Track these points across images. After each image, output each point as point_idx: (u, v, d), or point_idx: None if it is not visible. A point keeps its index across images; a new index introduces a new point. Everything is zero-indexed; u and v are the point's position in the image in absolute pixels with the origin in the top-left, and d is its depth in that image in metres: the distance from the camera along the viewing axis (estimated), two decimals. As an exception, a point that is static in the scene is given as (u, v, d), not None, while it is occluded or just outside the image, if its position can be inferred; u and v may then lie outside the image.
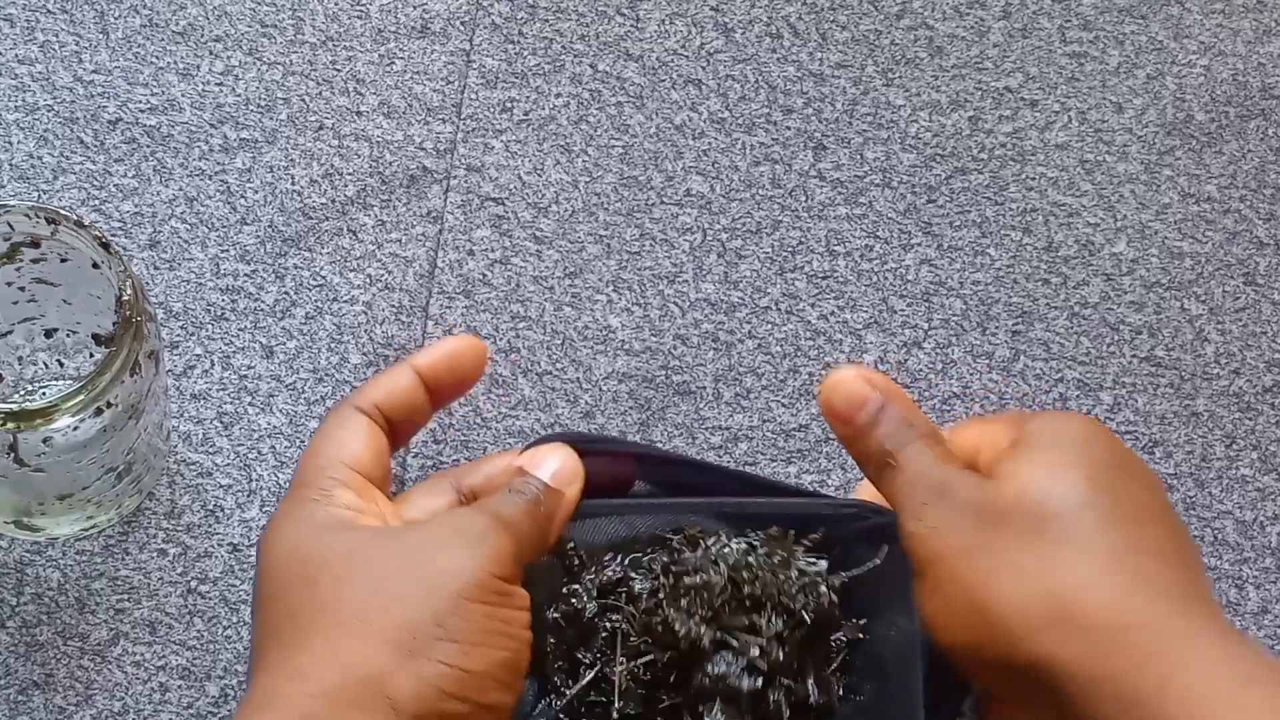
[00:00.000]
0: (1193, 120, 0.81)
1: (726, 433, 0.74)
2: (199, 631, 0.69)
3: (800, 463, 0.73)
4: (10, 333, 0.68)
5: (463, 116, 0.78)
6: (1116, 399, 0.76)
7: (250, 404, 0.72)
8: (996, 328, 0.77)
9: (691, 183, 0.78)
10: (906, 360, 0.75)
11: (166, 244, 0.75)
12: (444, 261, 0.76)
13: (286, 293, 0.74)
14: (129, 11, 0.79)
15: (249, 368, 0.73)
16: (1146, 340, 0.77)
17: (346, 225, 0.76)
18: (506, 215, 0.77)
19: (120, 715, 0.68)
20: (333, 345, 0.74)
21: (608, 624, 0.58)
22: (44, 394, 0.70)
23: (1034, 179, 0.79)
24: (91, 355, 0.69)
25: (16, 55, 0.78)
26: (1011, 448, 0.55)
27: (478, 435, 0.73)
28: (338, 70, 0.79)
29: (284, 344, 0.74)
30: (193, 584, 0.70)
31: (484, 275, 0.76)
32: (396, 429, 0.60)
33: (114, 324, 0.61)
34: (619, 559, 0.60)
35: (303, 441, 0.72)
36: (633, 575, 0.59)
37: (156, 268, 0.74)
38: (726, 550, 0.59)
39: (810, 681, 0.58)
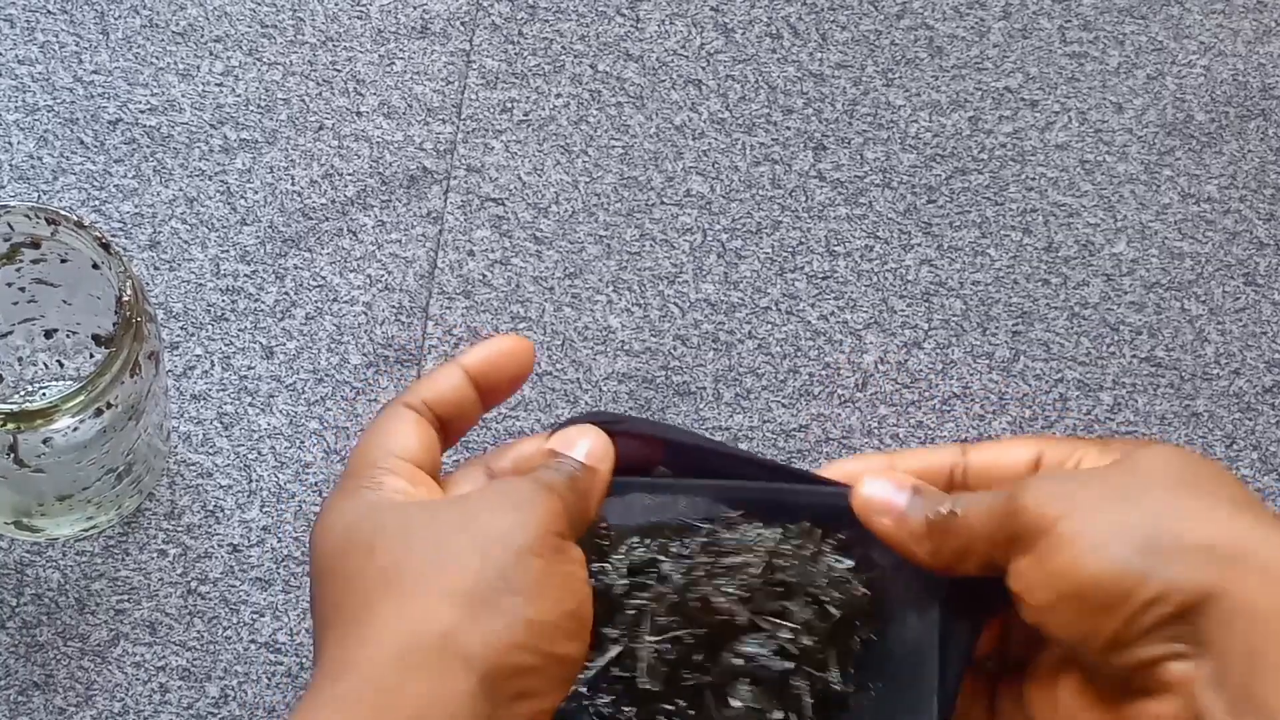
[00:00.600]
0: (1193, 120, 0.81)
1: (727, 433, 0.74)
2: (199, 632, 0.69)
3: (800, 463, 0.73)
4: (10, 333, 0.68)
5: (463, 117, 0.78)
6: (1116, 399, 0.76)
7: (250, 404, 0.72)
8: (997, 328, 0.77)
9: (691, 183, 0.78)
10: (906, 360, 0.76)
11: (166, 244, 0.75)
12: (444, 262, 0.76)
13: (286, 293, 0.74)
14: (129, 12, 0.79)
15: (249, 368, 0.73)
16: (1146, 340, 0.77)
17: (346, 226, 0.76)
18: (506, 216, 0.77)
19: (120, 716, 0.68)
20: (333, 346, 0.74)
21: (635, 602, 0.59)
22: (44, 394, 0.70)
23: (1034, 179, 0.79)
24: (91, 356, 0.69)
25: (16, 56, 0.78)
26: (1121, 455, 0.57)
27: (478, 436, 0.73)
28: (338, 71, 0.79)
29: (284, 344, 0.74)
30: (193, 584, 0.70)
31: (484, 276, 0.76)
32: (447, 427, 0.60)
33: (114, 324, 0.61)
34: (648, 542, 0.60)
35: (303, 441, 0.72)
36: (661, 558, 0.59)
37: (156, 268, 0.74)
38: (762, 536, 0.59)
39: (835, 673, 0.59)
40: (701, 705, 0.59)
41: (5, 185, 0.75)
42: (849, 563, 0.60)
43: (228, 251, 0.75)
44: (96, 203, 0.75)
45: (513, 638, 0.52)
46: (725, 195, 0.78)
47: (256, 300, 0.74)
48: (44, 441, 0.61)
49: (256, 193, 0.76)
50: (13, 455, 0.62)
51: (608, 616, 0.59)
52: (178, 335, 0.73)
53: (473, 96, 0.79)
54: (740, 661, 0.58)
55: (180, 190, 0.76)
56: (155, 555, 0.70)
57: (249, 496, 0.71)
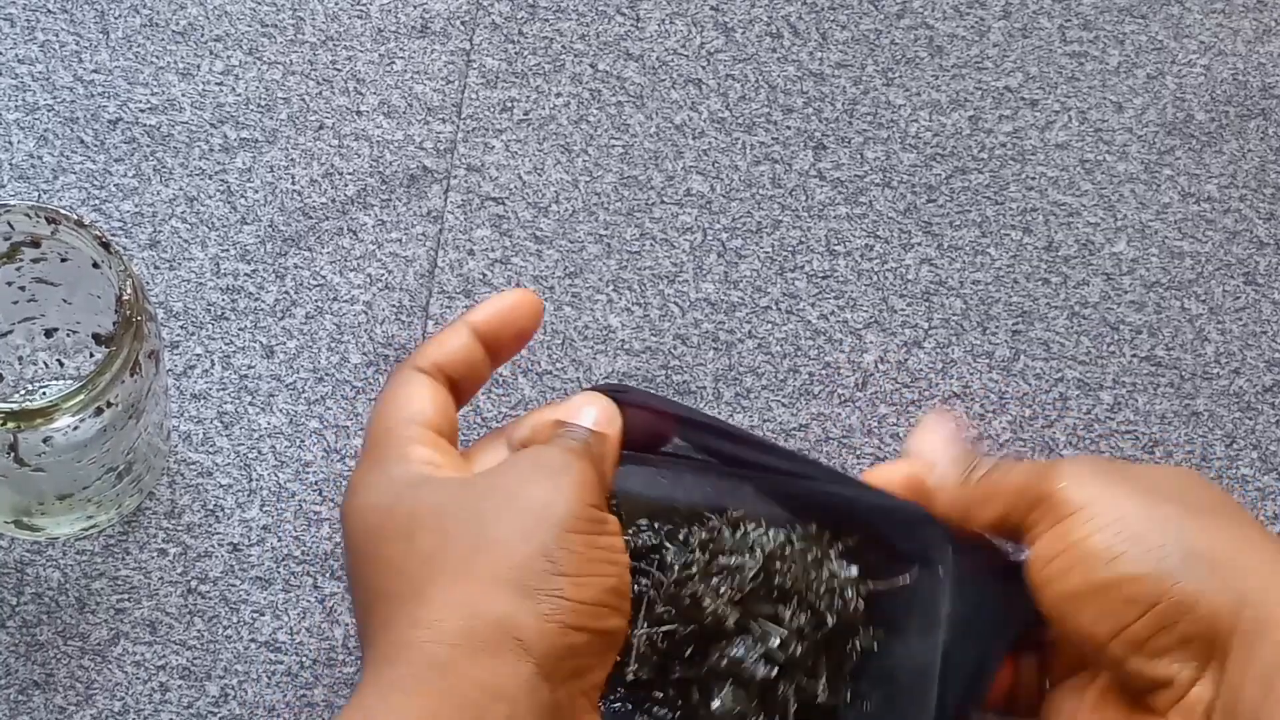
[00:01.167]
0: (1193, 120, 0.81)
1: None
2: (199, 631, 0.69)
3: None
4: (10, 332, 0.68)
5: (463, 116, 0.78)
6: (1116, 398, 0.76)
7: (250, 404, 0.72)
8: (997, 327, 0.77)
9: (691, 182, 0.78)
10: (906, 360, 0.76)
11: (167, 243, 0.75)
12: (444, 261, 0.76)
13: (287, 292, 0.74)
14: (129, 11, 0.79)
15: (249, 367, 0.73)
16: (1147, 340, 0.77)
17: (347, 225, 0.76)
18: (507, 215, 0.77)
19: (120, 715, 0.68)
20: (333, 345, 0.74)
21: (635, 588, 0.59)
22: (44, 394, 0.70)
23: (1034, 178, 0.79)
24: (92, 355, 0.69)
25: (17, 55, 0.78)
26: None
27: (478, 435, 0.73)
28: (338, 70, 0.79)
29: (284, 344, 0.74)
30: (193, 584, 0.70)
31: (484, 275, 0.76)
32: (458, 387, 0.60)
33: (114, 324, 0.61)
34: (656, 526, 0.60)
35: (303, 441, 0.72)
36: (667, 545, 0.59)
37: (157, 267, 0.74)
38: (764, 538, 0.59)
39: (821, 682, 0.58)
40: (689, 698, 0.59)
41: (5, 184, 0.75)
42: (853, 570, 0.59)
43: (228, 250, 0.75)
44: (97, 202, 0.75)
45: (565, 619, 0.53)
46: (725, 194, 0.78)
47: (257, 299, 0.74)
48: (44, 440, 0.61)
49: (257, 192, 0.76)
50: (13, 454, 0.62)
51: None
52: (178, 334, 0.73)
53: (473, 96, 0.79)
54: (726, 663, 0.58)
55: (180, 189, 0.76)
56: (155, 554, 0.70)
57: (249, 496, 0.71)
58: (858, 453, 0.74)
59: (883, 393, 0.75)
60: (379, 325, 0.74)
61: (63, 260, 0.64)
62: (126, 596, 0.69)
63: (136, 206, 0.75)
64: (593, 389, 0.60)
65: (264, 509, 0.71)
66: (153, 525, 0.70)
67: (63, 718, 0.67)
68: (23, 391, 0.70)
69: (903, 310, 0.76)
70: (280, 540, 0.70)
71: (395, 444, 0.57)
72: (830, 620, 0.59)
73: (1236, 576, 0.52)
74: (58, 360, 0.70)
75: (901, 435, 0.74)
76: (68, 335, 0.69)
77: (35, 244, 0.63)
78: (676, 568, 0.59)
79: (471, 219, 0.76)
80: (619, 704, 0.59)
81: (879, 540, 0.60)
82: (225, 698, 0.68)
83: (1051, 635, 0.58)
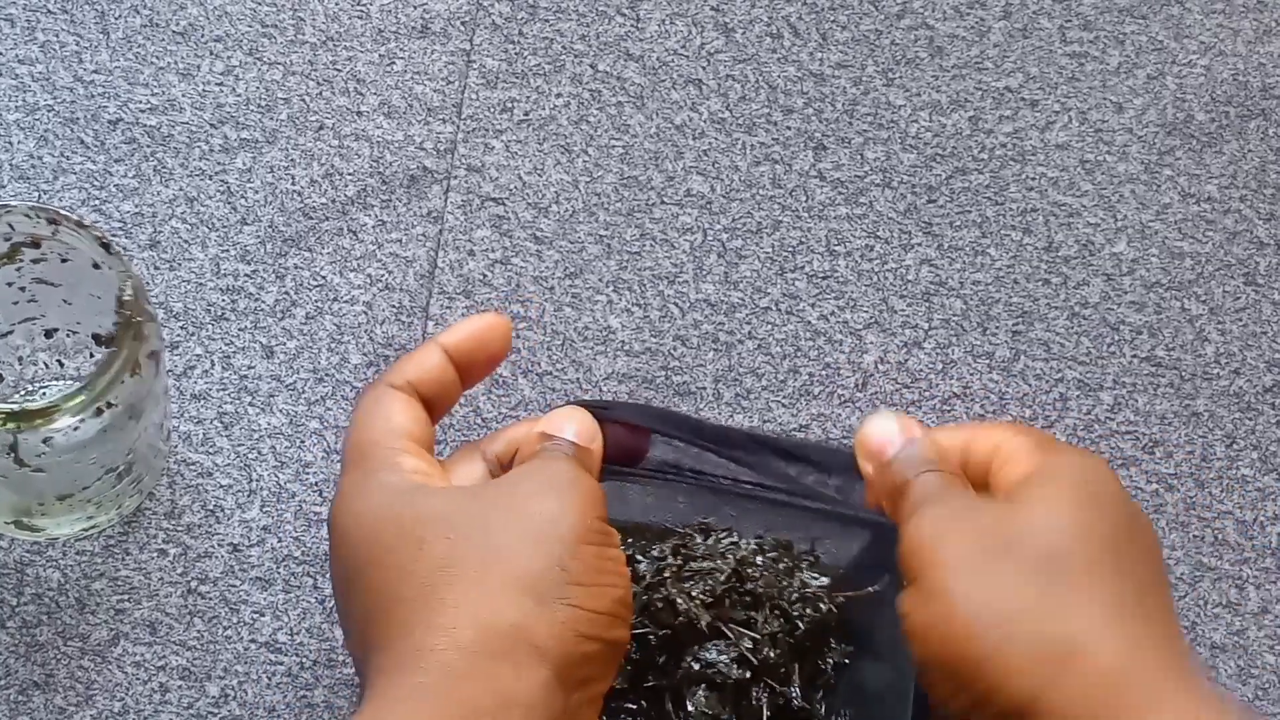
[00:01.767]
0: (1193, 120, 0.81)
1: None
2: (199, 632, 0.69)
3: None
4: (11, 333, 0.68)
5: (463, 116, 0.78)
6: (1117, 399, 0.76)
7: (250, 404, 0.72)
8: (997, 328, 0.77)
9: (692, 183, 0.78)
10: (907, 360, 0.76)
11: (167, 244, 0.75)
12: (444, 262, 0.76)
13: (287, 293, 0.74)
14: (129, 11, 0.79)
15: (249, 368, 0.73)
16: (1147, 340, 0.77)
17: (347, 225, 0.76)
18: (507, 215, 0.77)
19: (120, 715, 0.68)
20: (333, 345, 0.74)
21: None
22: (44, 394, 0.70)
23: (1034, 179, 0.79)
24: (92, 355, 0.69)
25: (17, 55, 0.78)
26: (1030, 475, 0.55)
27: (477, 435, 0.73)
28: (338, 70, 0.79)
29: (284, 344, 0.74)
30: (193, 584, 0.70)
31: (484, 275, 0.76)
32: (429, 407, 0.60)
33: (114, 324, 0.61)
34: (629, 541, 0.60)
35: (303, 441, 0.72)
36: (639, 558, 0.59)
37: (157, 268, 0.74)
38: (736, 546, 0.60)
39: (795, 687, 0.59)
40: (661, 706, 0.59)
41: (6, 185, 0.75)
42: (823, 580, 0.60)
43: (228, 251, 0.75)
44: (97, 202, 0.75)
45: (578, 628, 0.53)
46: (725, 195, 0.78)
47: (257, 300, 0.74)
48: (44, 441, 0.61)
49: (257, 192, 0.76)
50: (13, 455, 0.62)
51: None
52: (178, 335, 0.73)
53: (473, 96, 0.79)
54: (698, 667, 0.58)
55: (180, 190, 0.76)
56: (155, 555, 0.70)
57: (249, 496, 0.71)
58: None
59: (883, 393, 0.75)
60: (379, 326, 0.74)
61: (63, 261, 0.64)
62: (126, 597, 0.69)
63: (137, 207, 0.75)
64: (574, 404, 0.60)
65: (264, 509, 0.71)
66: (153, 526, 0.70)
67: (63, 718, 0.67)
68: (23, 392, 0.70)
69: (903, 311, 0.76)
70: (280, 541, 0.70)
71: (383, 454, 0.57)
72: (802, 626, 0.59)
73: (1046, 655, 0.51)
74: (58, 361, 0.70)
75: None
76: (68, 336, 0.69)
77: (35, 244, 0.63)
78: (649, 575, 0.59)
79: (472, 219, 0.76)
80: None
81: (850, 548, 0.60)
82: (225, 698, 0.68)
83: None
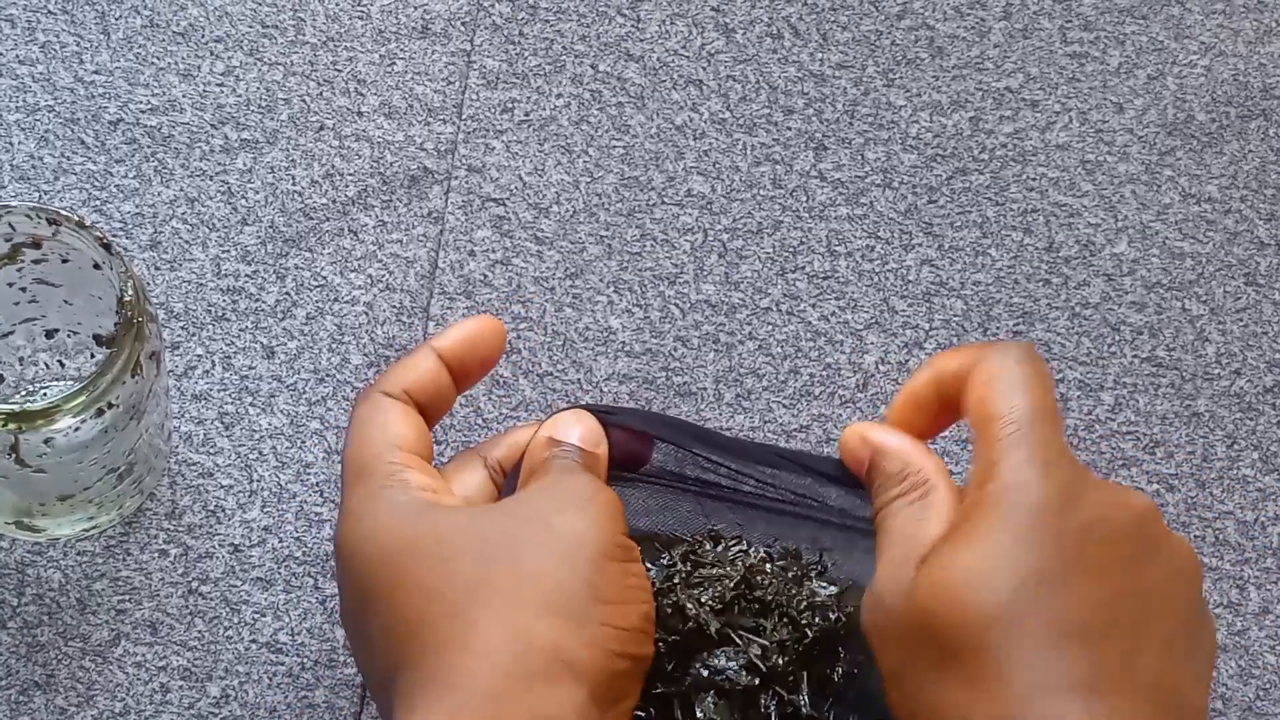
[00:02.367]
0: (1193, 120, 0.81)
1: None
2: (200, 632, 0.69)
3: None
4: (11, 333, 0.68)
5: (464, 117, 0.78)
6: (1117, 399, 0.76)
7: (251, 404, 0.72)
8: (997, 328, 0.77)
9: (692, 183, 0.78)
10: (907, 361, 0.76)
11: (167, 244, 0.75)
12: (445, 262, 0.76)
13: (287, 293, 0.74)
14: (130, 12, 0.79)
15: (250, 368, 0.73)
16: (1147, 340, 0.77)
17: (347, 226, 0.76)
18: (507, 216, 0.77)
19: (121, 716, 0.68)
20: (334, 346, 0.74)
21: None
22: (45, 395, 0.70)
23: (1035, 179, 0.79)
24: (93, 356, 0.69)
25: (17, 56, 0.78)
26: (969, 511, 0.52)
27: (478, 436, 0.73)
28: (338, 71, 0.79)
29: (285, 344, 0.74)
30: (194, 584, 0.70)
31: (485, 276, 0.76)
32: (424, 412, 0.60)
33: (115, 325, 0.61)
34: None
35: (304, 441, 0.72)
36: (648, 565, 0.59)
37: (157, 268, 0.74)
38: (745, 554, 0.60)
39: (803, 695, 0.58)
40: (670, 714, 0.59)
41: (6, 185, 0.75)
42: (832, 589, 0.60)
43: (229, 251, 0.75)
44: (97, 203, 0.75)
45: (611, 646, 0.53)
46: (726, 195, 0.78)
47: (257, 300, 0.74)
48: (45, 441, 0.61)
49: (257, 193, 0.76)
50: (14, 455, 0.62)
51: None
52: (179, 335, 0.73)
53: (473, 96, 0.79)
54: (707, 673, 0.58)
55: (181, 190, 0.76)
56: (156, 555, 0.70)
57: (250, 496, 0.71)
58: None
59: (884, 394, 0.75)
60: (380, 326, 0.74)
61: (64, 261, 0.64)
62: (127, 597, 0.69)
63: (137, 207, 0.75)
64: (578, 408, 0.60)
65: (265, 510, 0.71)
66: (154, 526, 0.70)
67: (64, 718, 0.67)
68: (24, 392, 0.70)
69: (904, 311, 0.76)
70: (281, 541, 0.70)
71: (387, 470, 0.57)
72: (810, 633, 0.59)
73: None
74: (59, 361, 0.70)
75: (902, 436, 0.74)
76: (69, 336, 0.69)
77: (36, 245, 0.63)
78: (658, 581, 0.59)
79: (472, 220, 0.76)
80: None
81: (856, 558, 0.60)
82: (226, 699, 0.68)
83: None
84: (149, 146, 0.76)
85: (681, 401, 0.74)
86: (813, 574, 0.60)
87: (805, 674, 0.59)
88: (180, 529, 0.70)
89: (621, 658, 0.53)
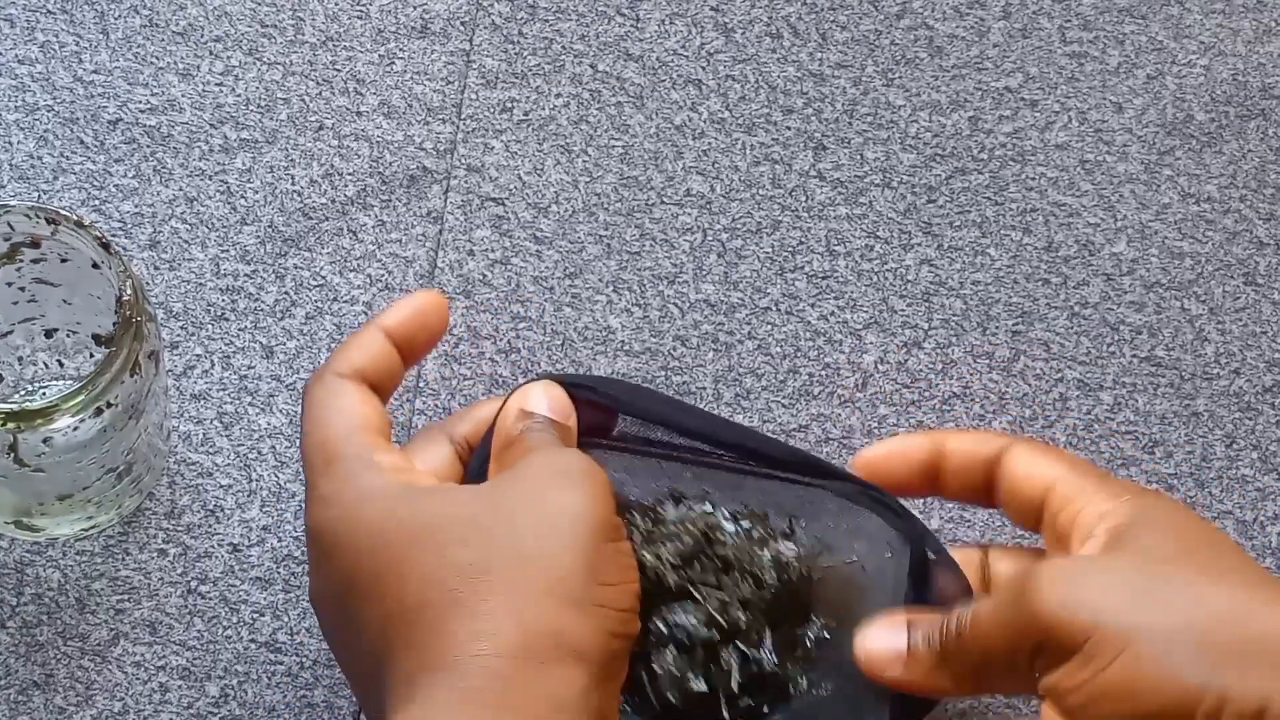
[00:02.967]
0: (1193, 120, 0.81)
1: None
2: (199, 632, 0.69)
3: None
4: (10, 333, 0.68)
5: (463, 117, 0.78)
6: (1116, 399, 0.76)
7: (250, 404, 0.72)
8: (997, 328, 0.77)
9: (691, 183, 0.78)
10: (907, 360, 0.75)
11: (166, 244, 0.75)
12: (444, 262, 0.76)
13: (287, 293, 0.74)
14: (129, 12, 0.79)
15: (249, 368, 0.73)
16: (1147, 340, 0.77)
17: (347, 225, 0.76)
18: (506, 215, 0.77)
19: (120, 715, 0.68)
20: (333, 345, 0.74)
21: None
22: (44, 394, 0.70)
23: (1034, 179, 0.79)
24: (92, 355, 0.69)
25: (16, 55, 0.78)
26: (1122, 525, 0.55)
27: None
28: (338, 70, 0.79)
29: (284, 344, 0.74)
30: (193, 584, 0.70)
31: (484, 275, 0.76)
32: (376, 391, 0.59)
33: (114, 324, 0.61)
34: None
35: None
36: None
37: (156, 268, 0.74)
38: (708, 514, 0.59)
39: (766, 652, 0.58)
40: (632, 672, 0.59)
41: (5, 185, 0.75)
42: (796, 550, 0.60)
43: (228, 251, 0.75)
44: (96, 202, 0.75)
45: (612, 628, 0.53)
46: (725, 195, 0.78)
47: (256, 300, 0.74)
48: (44, 441, 0.61)
49: (256, 192, 0.76)
50: (13, 455, 0.62)
51: None
52: (178, 335, 0.73)
53: (473, 96, 0.79)
54: (666, 629, 0.58)
55: (180, 190, 0.76)
56: (155, 555, 0.70)
57: (249, 496, 0.71)
58: (858, 453, 0.73)
59: (883, 393, 0.75)
60: (379, 326, 0.74)
61: (63, 261, 0.64)
62: (126, 597, 0.69)
63: (136, 207, 0.75)
64: (547, 378, 0.59)
65: (264, 509, 0.71)
66: (153, 526, 0.70)
67: (63, 718, 0.67)
68: (23, 392, 0.70)
69: (903, 311, 0.76)
70: (280, 541, 0.70)
71: (355, 453, 0.56)
72: (773, 590, 0.59)
73: (1266, 660, 0.51)
74: (58, 361, 0.70)
75: (901, 436, 0.74)
76: (68, 336, 0.69)
77: (35, 244, 0.63)
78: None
79: (471, 220, 0.76)
80: None
81: (828, 523, 0.60)
82: (225, 698, 0.68)
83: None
84: (148, 146, 0.76)
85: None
86: (779, 537, 0.60)
87: (769, 632, 0.59)
88: (179, 528, 0.70)
89: (618, 638, 0.54)
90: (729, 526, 0.59)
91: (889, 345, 0.76)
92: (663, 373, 0.74)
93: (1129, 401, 0.76)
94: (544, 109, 0.79)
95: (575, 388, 0.59)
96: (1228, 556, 0.55)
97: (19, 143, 0.76)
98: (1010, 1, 0.83)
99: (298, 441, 0.72)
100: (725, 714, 0.58)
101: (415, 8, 0.80)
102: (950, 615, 0.56)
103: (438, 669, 0.52)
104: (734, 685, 0.58)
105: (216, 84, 0.78)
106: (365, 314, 0.74)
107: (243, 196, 0.76)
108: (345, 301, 0.74)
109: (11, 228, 0.62)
